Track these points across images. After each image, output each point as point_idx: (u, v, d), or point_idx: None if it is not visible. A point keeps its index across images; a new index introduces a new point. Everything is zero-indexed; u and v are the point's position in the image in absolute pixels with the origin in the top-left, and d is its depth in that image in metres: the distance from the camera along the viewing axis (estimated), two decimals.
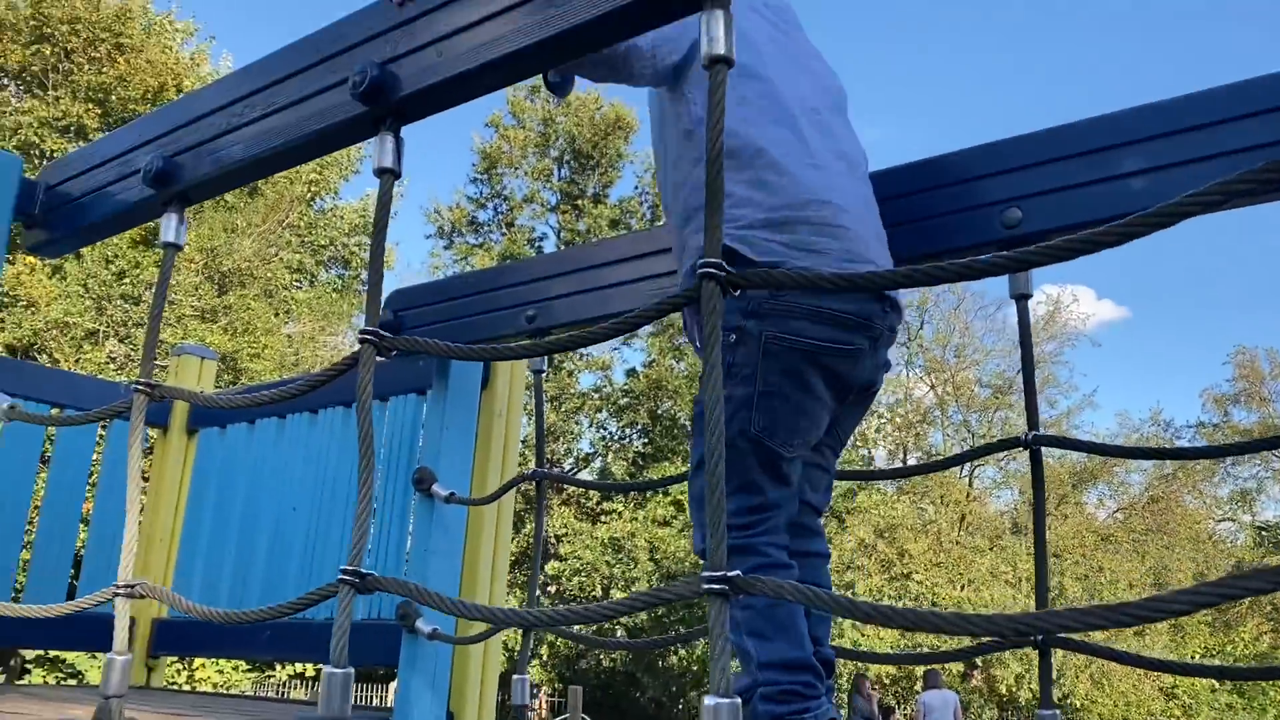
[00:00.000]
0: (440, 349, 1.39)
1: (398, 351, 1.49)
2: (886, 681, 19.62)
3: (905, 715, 18.51)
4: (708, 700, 0.95)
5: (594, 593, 18.91)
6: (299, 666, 16.39)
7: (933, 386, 26.51)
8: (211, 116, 1.75)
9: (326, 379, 1.56)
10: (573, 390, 21.84)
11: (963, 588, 21.21)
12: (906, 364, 26.92)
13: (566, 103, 22.76)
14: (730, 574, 0.98)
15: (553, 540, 19.66)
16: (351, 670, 1.29)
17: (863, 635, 18.82)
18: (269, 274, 17.02)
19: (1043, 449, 1.83)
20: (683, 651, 18.40)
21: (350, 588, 1.30)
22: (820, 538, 1.84)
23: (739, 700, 0.95)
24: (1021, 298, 1.81)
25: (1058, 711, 1.59)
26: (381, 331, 1.41)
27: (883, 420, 25.60)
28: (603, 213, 22.44)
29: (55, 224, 2.09)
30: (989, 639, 1.80)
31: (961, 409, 26.44)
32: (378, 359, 1.43)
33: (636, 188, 23.19)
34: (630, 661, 19.30)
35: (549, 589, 19.65)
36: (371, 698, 18.15)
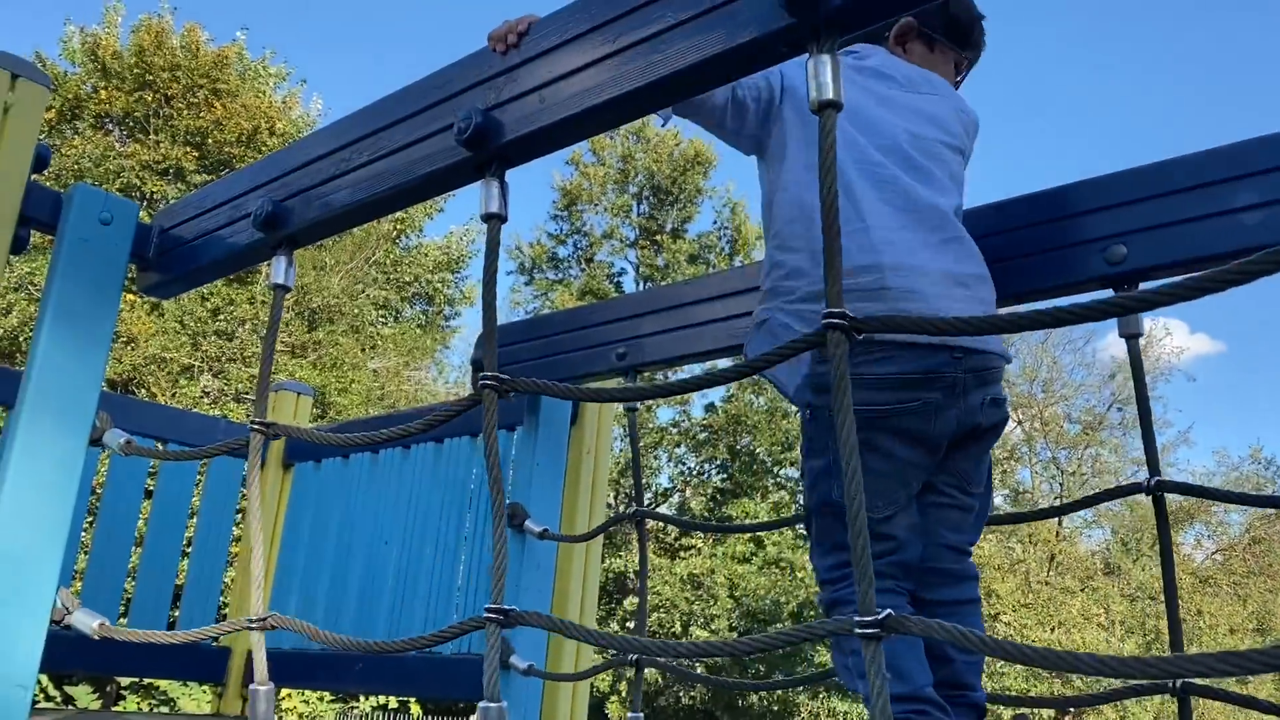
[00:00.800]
0: (560, 391, 1.41)
1: (515, 393, 1.50)
2: None
3: None
4: None
5: (674, 629, 18.77)
6: (381, 698, 16.55)
7: (1019, 423, 25.91)
8: (319, 162, 1.80)
9: (444, 418, 1.59)
10: (651, 425, 21.84)
11: (1053, 629, 20.58)
12: None
13: (645, 139, 22.98)
14: (881, 616, 1.02)
15: (630, 576, 19.61)
16: (505, 704, 1.31)
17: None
18: (355, 310, 17.42)
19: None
20: (762, 691, 18.14)
21: (496, 624, 1.32)
22: (967, 583, 1.80)
23: None
24: (1132, 337, 1.76)
25: None
26: (501, 375, 1.42)
27: None
28: (681, 248, 22.52)
29: (168, 266, 2.17)
30: (1119, 685, 1.75)
31: (1050, 445, 25.80)
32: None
33: (715, 223, 23.24)
34: (709, 700, 19.09)
35: (627, 624, 19.58)
36: None
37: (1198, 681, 1.65)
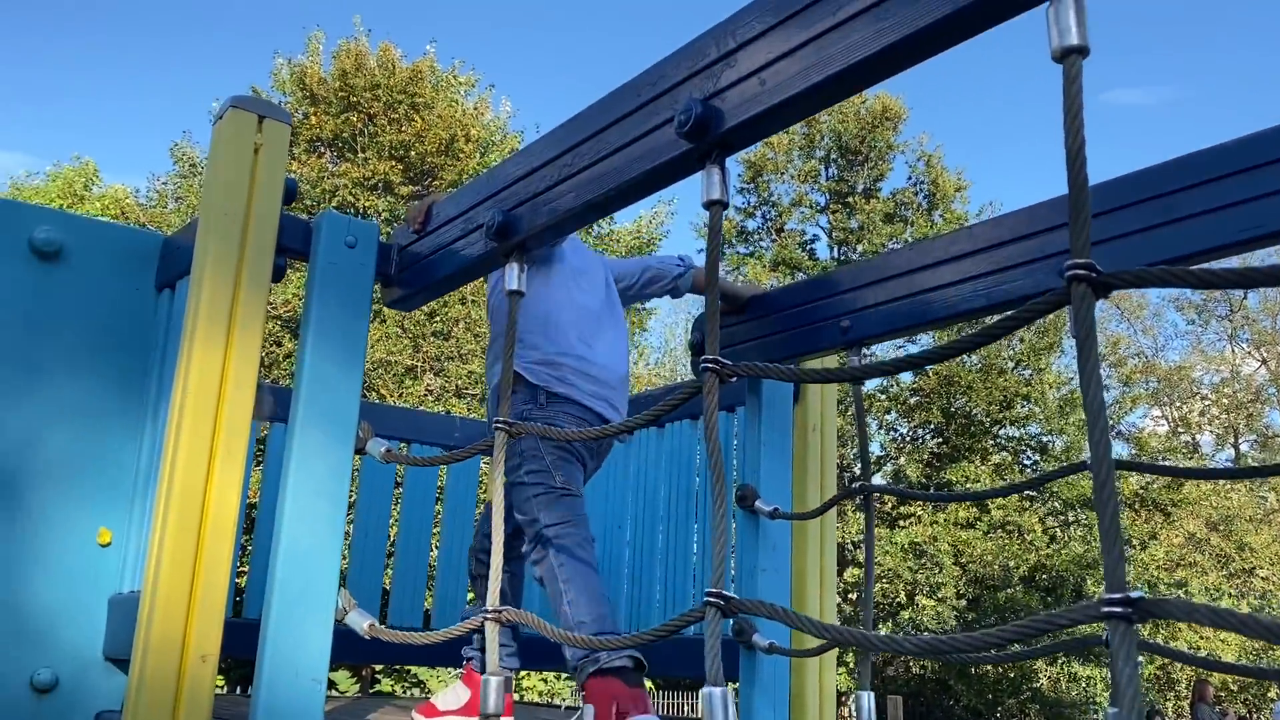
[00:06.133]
0: (783, 374, 1.41)
1: (737, 378, 1.51)
2: (1234, 688, 17.84)
3: None
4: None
5: (897, 599, 18.43)
6: None
7: (1264, 361, 23.92)
8: (543, 169, 1.85)
9: (669, 408, 1.61)
10: None
11: None
12: (1230, 339, 24.43)
13: None
14: (1133, 595, 0.91)
15: (849, 546, 19.36)
16: (728, 688, 1.32)
17: (1201, 638, 17.23)
18: None
19: None
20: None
21: (716, 610, 1.33)
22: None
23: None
24: None
25: None
26: (722, 360, 1.44)
27: (1207, 402, 23.35)
28: (875, 207, 21.94)
29: (409, 281, 2.30)
30: None
31: None
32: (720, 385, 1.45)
33: (910, 178, 22.50)
34: (940, 669, 18.64)
35: (849, 596, 19.36)
36: (683, 706, 18.61)
37: None
